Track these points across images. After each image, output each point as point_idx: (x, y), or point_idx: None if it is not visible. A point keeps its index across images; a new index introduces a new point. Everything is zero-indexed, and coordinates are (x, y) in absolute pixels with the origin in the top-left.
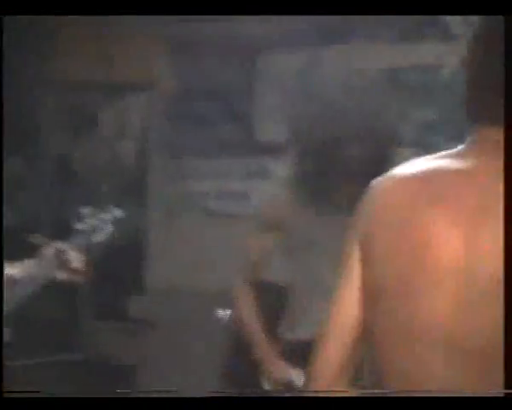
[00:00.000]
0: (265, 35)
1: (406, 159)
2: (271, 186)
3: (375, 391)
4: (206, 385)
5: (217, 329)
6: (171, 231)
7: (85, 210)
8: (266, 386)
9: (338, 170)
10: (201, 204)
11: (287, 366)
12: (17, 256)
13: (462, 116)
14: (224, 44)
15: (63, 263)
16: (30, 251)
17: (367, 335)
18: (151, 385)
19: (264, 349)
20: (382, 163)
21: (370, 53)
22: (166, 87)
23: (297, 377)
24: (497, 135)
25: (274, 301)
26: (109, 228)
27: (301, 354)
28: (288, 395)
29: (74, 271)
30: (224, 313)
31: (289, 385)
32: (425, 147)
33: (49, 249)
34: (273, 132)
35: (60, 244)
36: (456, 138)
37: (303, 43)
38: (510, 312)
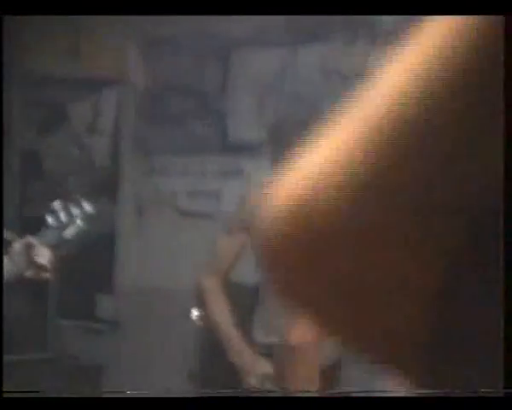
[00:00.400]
0: (241, 32)
1: None
2: (244, 186)
3: (374, 391)
4: (174, 386)
5: (187, 329)
6: (141, 229)
7: (55, 205)
8: (251, 382)
9: None
10: (173, 202)
11: (263, 361)
12: None
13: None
14: (198, 41)
15: (31, 259)
16: None
17: None
18: (117, 385)
19: (240, 347)
20: None
21: (348, 54)
22: (138, 83)
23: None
24: None
25: (246, 303)
26: (79, 224)
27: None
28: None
29: (42, 267)
30: (194, 314)
31: (270, 379)
32: None
33: (18, 245)
34: (247, 132)
35: (28, 240)
36: None
37: (279, 43)
38: (510, 311)
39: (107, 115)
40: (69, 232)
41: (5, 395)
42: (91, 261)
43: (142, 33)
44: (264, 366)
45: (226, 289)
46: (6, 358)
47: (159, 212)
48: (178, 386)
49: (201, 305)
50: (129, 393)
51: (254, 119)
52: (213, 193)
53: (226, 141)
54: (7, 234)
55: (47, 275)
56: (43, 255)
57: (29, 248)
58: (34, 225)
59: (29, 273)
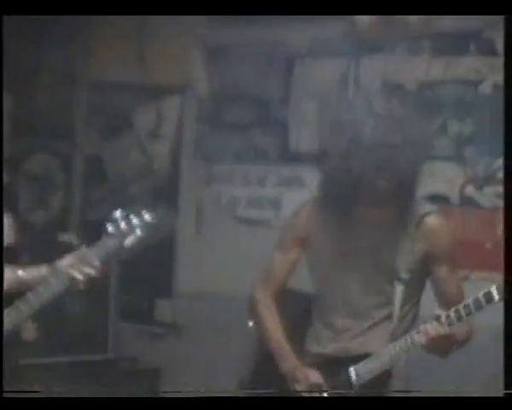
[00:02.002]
0: (304, 41)
1: (442, 172)
2: (304, 196)
3: (375, 391)
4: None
5: (242, 336)
6: (200, 236)
7: (116, 214)
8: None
9: (367, 187)
10: (232, 210)
11: (314, 371)
12: (48, 254)
13: (498, 131)
14: (261, 50)
15: (81, 270)
16: (60, 250)
17: None
18: (176, 388)
19: (289, 359)
20: (412, 181)
21: (409, 65)
22: (201, 90)
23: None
24: None
25: (300, 312)
26: (139, 233)
27: (326, 367)
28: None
29: (92, 277)
30: (250, 322)
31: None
32: (461, 161)
33: (69, 258)
34: (308, 141)
35: (82, 250)
36: (492, 153)
37: (341, 53)
38: (510, 311)
39: (169, 121)
40: (129, 241)
41: (5, 395)
42: (151, 267)
43: (206, 41)
44: (313, 376)
45: (279, 301)
46: (69, 358)
47: (218, 218)
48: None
49: (254, 316)
50: (131, 393)
51: (315, 129)
52: (273, 202)
53: (287, 150)
54: (69, 237)
55: (96, 283)
56: (93, 266)
57: (79, 259)
58: (96, 230)
59: (79, 285)
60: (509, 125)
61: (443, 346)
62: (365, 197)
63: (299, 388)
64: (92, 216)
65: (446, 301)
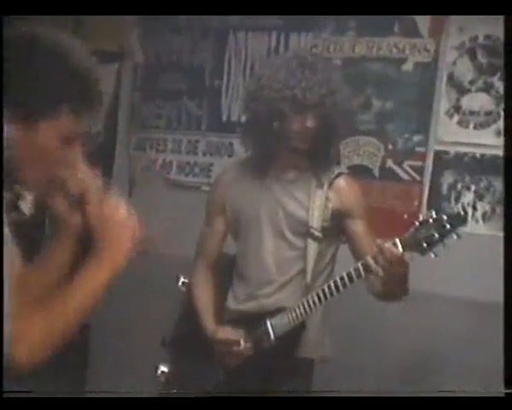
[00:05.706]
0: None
1: (364, 146)
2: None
3: (375, 391)
4: (158, 352)
5: (169, 294)
6: (133, 199)
7: None
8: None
9: (288, 153)
10: (164, 175)
11: (229, 328)
12: None
13: (419, 109)
14: (195, 21)
15: None
16: None
17: None
18: (106, 342)
19: (207, 315)
20: (335, 133)
21: (335, 42)
22: (137, 58)
23: (240, 340)
24: None
25: (227, 271)
26: None
27: (244, 322)
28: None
29: None
30: (180, 281)
31: (232, 345)
32: (382, 136)
33: None
34: (239, 111)
35: None
36: (412, 129)
37: (274, 27)
38: (510, 311)
39: (105, 89)
40: None
41: (5, 395)
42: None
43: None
44: (228, 329)
45: (216, 269)
46: None
47: (151, 182)
48: (154, 351)
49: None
50: (130, 392)
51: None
52: (203, 168)
53: (220, 119)
54: None
55: None
56: None
57: None
58: None
59: None
60: (510, 129)
61: (399, 276)
62: (285, 154)
63: (214, 344)
64: None
65: (363, 256)
